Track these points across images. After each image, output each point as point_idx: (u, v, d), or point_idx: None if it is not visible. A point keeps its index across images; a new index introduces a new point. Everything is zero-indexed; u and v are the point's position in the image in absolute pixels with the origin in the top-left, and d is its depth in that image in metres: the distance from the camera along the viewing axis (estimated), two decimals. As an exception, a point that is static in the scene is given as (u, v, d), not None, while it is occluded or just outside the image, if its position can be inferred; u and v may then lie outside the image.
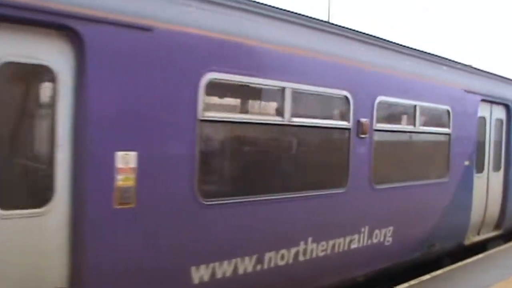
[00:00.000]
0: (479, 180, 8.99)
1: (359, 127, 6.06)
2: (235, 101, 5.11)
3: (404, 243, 7.11)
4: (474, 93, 8.59)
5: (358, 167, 6.10)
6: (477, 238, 9.34)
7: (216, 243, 4.64)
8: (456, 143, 8.07)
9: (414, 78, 7.22)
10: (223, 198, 4.68)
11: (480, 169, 9.07)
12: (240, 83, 4.82)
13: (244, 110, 5.20)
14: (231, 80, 4.71)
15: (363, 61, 6.25)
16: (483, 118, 9.13)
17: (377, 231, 6.52)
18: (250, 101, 5.20)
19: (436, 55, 7.94)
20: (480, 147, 9.00)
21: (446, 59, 8.15)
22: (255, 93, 5.17)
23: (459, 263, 8.35)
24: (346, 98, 5.89)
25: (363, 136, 6.13)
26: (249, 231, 4.90)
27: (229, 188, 4.96)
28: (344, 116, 5.96)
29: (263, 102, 5.41)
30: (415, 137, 7.37)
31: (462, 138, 8.28)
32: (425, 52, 7.66)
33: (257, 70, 4.87)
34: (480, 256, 8.86)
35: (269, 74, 4.97)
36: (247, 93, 5.09)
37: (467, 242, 8.90)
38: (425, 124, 7.50)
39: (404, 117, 7.16)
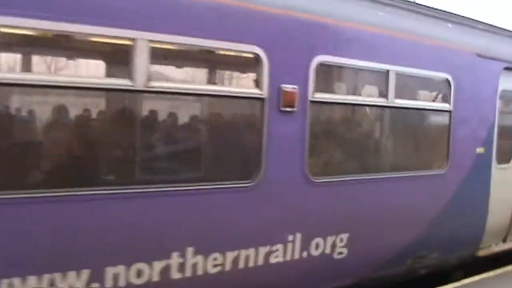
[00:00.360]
0: (502, 172, 6.88)
1: (281, 97, 4.39)
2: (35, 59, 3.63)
3: (368, 256, 5.33)
4: (492, 58, 6.49)
5: (279, 152, 4.44)
6: (501, 247, 7.23)
7: (14, 252, 3.30)
8: (461, 124, 6.09)
9: (389, 34, 5.35)
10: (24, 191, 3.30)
11: (504, 159, 6.94)
12: (39, 31, 3.35)
13: (57, 69, 3.74)
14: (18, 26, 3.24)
15: (288, 6, 4.54)
16: (510, 93, 6.98)
17: (318, 240, 4.83)
18: (67, 58, 3.71)
19: (431, 7, 5.97)
20: (503, 130, 6.88)
21: (446, 12, 6.13)
22: (78, 46, 3.67)
23: (468, 280, 6.43)
24: (257, 56, 4.26)
25: (288, 109, 4.45)
26: (71, 236, 3.48)
27: (32, 178, 3.55)
28: (253, 82, 4.33)
29: (96, 61, 3.89)
30: (388, 114, 5.49)
31: (472, 118, 6.27)
32: (412, 2, 5.74)
33: (79, 14, 3.38)
34: (499, 271, 6.81)
35: (103, 19, 3.47)
36: (61, 46, 3.61)
37: (483, 252, 6.87)
38: (405, 97, 5.59)
39: (370, 87, 5.30)
